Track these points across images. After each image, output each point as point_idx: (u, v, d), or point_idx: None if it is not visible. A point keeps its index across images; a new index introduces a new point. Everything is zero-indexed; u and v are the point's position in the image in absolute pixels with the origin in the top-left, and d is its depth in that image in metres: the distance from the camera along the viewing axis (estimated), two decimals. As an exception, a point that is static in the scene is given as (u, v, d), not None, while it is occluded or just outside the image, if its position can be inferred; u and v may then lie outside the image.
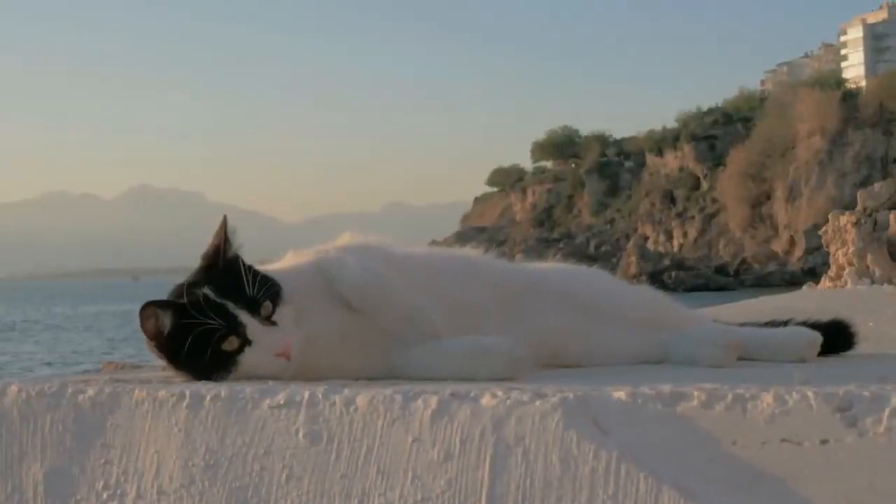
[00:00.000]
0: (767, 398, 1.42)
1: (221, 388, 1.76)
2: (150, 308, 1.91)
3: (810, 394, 1.40)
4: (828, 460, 1.37)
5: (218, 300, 1.90)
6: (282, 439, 1.68)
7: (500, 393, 1.57)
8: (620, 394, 1.50)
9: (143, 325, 1.92)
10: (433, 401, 1.60)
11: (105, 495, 1.80)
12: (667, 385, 1.53)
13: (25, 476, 1.87)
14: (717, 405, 1.44)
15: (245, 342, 1.90)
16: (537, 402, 1.53)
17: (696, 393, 1.46)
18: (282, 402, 1.70)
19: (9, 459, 1.89)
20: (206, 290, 1.91)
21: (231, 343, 1.89)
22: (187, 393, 1.77)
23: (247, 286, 1.91)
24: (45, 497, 1.85)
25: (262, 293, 1.91)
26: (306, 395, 1.69)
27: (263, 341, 1.90)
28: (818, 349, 2.18)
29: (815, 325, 2.33)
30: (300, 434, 1.67)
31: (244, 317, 1.89)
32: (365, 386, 1.72)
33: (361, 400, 1.64)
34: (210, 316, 1.88)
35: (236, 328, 1.89)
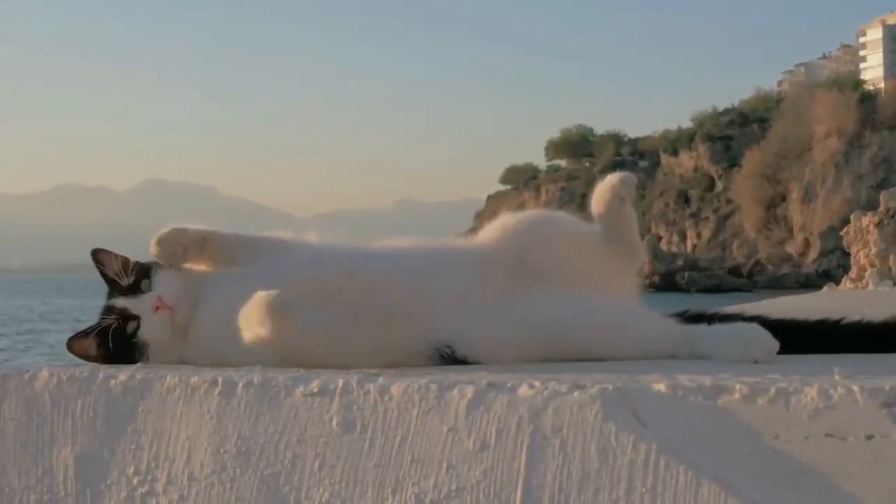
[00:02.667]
0: (811, 392, 1.40)
1: (254, 375, 1.75)
2: (71, 343, 2.15)
3: (856, 388, 1.38)
4: (873, 456, 1.35)
5: (107, 303, 2.14)
6: (315, 427, 1.67)
7: (537, 383, 1.55)
8: (660, 386, 1.48)
9: (80, 357, 2.13)
10: (469, 390, 1.58)
11: (135, 481, 1.79)
12: (707, 378, 1.51)
13: (56, 460, 1.86)
14: (760, 399, 1.43)
15: (133, 318, 2.10)
16: (575, 394, 1.52)
17: (737, 386, 1.44)
18: (315, 390, 1.69)
19: (39, 444, 1.88)
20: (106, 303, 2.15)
21: (131, 326, 2.11)
22: (220, 380, 1.76)
23: (120, 278, 2.16)
24: (75, 481, 1.85)
25: (134, 274, 2.16)
26: (340, 383, 1.67)
27: (143, 308, 2.11)
28: (774, 353, 2.07)
29: (870, 324, 2.30)
30: (333, 422, 1.66)
31: (124, 301, 2.13)
32: (400, 375, 1.71)
33: (396, 389, 1.63)
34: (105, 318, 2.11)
35: (122, 312, 2.12)
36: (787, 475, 1.39)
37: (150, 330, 2.10)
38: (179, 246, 2.14)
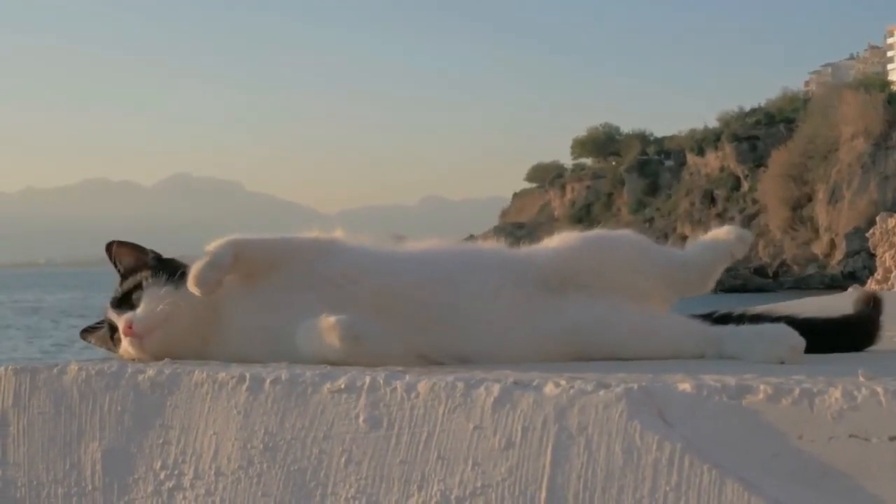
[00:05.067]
0: (835, 393, 1.41)
1: (282, 372, 1.77)
2: (83, 333, 2.24)
3: (879, 389, 1.39)
4: (897, 457, 1.36)
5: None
6: (341, 424, 1.68)
7: (563, 382, 1.56)
8: (685, 385, 1.49)
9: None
10: (495, 388, 1.59)
11: (163, 475, 1.81)
12: (732, 378, 1.52)
13: (84, 454, 1.89)
14: (784, 399, 1.43)
15: (117, 330, 2.11)
16: (601, 392, 1.53)
17: (762, 386, 1.45)
18: (342, 386, 1.70)
19: (68, 437, 1.91)
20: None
21: (116, 336, 2.12)
22: (247, 375, 1.78)
23: (119, 284, 2.17)
24: (102, 475, 1.87)
25: (123, 287, 2.16)
26: (367, 380, 1.69)
27: (121, 326, 2.10)
28: (801, 352, 2.04)
29: None
30: (360, 419, 1.67)
31: (111, 312, 2.14)
32: (426, 372, 1.72)
33: (423, 386, 1.64)
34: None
35: (109, 323, 2.14)
36: (811, 475, 1.39)
37: (126, 349, 2.09)
38: (219, 283, 2.08)
